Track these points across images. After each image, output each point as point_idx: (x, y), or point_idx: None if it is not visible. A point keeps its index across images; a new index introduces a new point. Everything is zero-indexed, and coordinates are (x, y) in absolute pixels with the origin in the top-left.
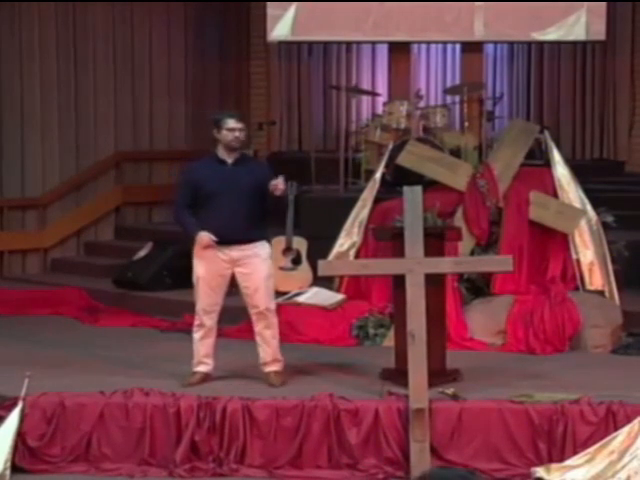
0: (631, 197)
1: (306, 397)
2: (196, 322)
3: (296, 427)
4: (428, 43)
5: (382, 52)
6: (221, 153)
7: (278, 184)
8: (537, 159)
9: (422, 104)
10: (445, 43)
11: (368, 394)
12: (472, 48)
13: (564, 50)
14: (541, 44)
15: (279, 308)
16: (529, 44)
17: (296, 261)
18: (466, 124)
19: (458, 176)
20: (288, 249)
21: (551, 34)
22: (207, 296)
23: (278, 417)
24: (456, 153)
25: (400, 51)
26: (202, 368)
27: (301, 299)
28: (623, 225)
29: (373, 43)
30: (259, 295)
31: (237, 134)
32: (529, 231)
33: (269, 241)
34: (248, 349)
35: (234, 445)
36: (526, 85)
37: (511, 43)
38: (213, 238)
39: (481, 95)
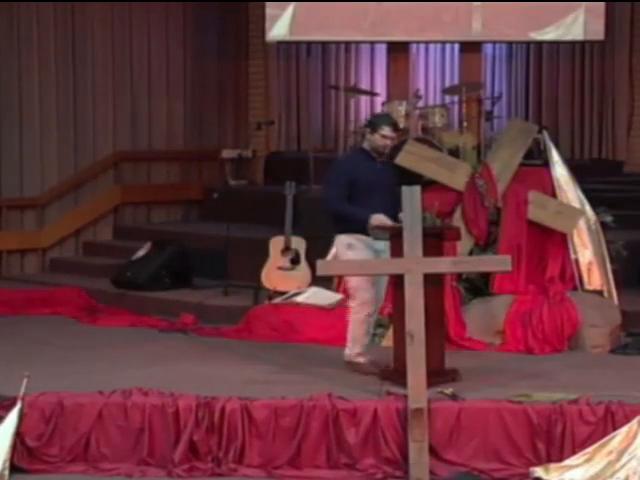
0: (630, 197)
1: (305, 397)
2: (365, 312)
3: (295, 427)
4: (426, 43)
5: (381, 52)
6: (369, 151)
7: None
8: (536, 159)
9: (421, 104)
10: (444, 43)
11: (367, 394)
12: (471, 48)
13: (563, 50)
14: (540, 44)
15: (278, 308)
16: (528, 44)
17: (295, 261)
18: (465, 124)
19: (457, 176)
20: (287, 249)
21: (549, 34)
22: (370, 286)
23: (277, 417)
24: (455, 153)
25: (399, 51)
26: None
27: (300, 299)
28: (622, 225)
29: (371, 43)
30: (382, 288)
31: (388, 142)
32: (528, 231)
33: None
34: (246, 349)
35: (233, 445)
36: (525, 85)
37: (509, 43)
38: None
39: (480, 95)
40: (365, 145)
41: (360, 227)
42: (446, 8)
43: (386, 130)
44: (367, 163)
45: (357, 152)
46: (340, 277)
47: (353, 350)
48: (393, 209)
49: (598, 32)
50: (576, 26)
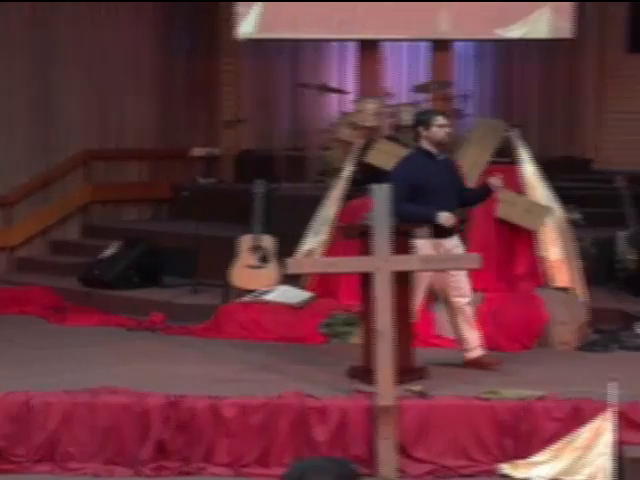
0: (598, 195)
1: (273, 395)
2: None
3: (263, 425)
4: (393, 41)
5: (351, 50)
6: (430, 148)
7: (498, 183)
8: (505, 157)
9: (391, 102)
10: (411, 41)
11: (336, 392)
12: (441, 46)
13: (532, 49)
14: (509, 42)
15: (247, 306)
16: (497, 42)
17: (264, 259)
18: None
19: None
20: (256, 247)
21: (515, 31)
22: (424, 289)
23: (245, 415)
24: None
25: (368, 49)
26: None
27: (269, 297)
28: (590, 222)
29: (339, 41)
30: (465, 282)
31: (447, 130)
32: (497, 229)
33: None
34: (215, 347)
35: (201, 444)
36: (494, 83)
37: (475, 41)
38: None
39: (450, 93)
40: (424, 144)
41: (426, 228)
42: (413, 6)
43: (440, 119)
44: (427, 163)
45: (416, 153)
46: (310, 275)
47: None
48: (456, 204)
49: (567, 30)
50: (541, 24)
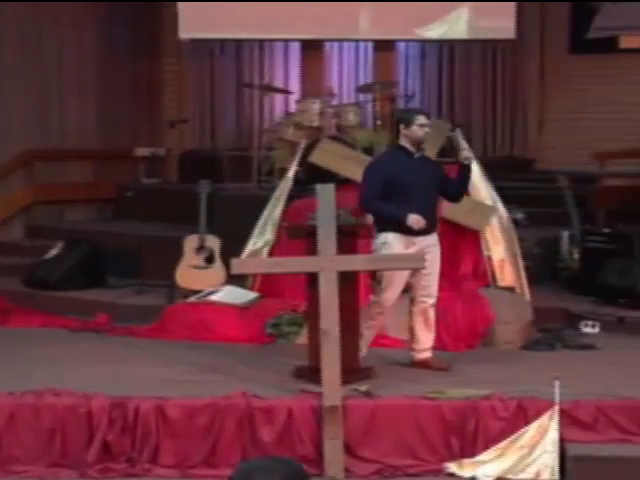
0: (541, 194)
1: (219, 396)
2: (376, 310)
3: (209, 426)
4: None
5: (294, 50)
6: (408, 146)
7: (468, 153)
8: (448, 157)
9: (335, 102)
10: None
11: (282, 392)
12: (384, 46)
13: (475, 49)
14: (452, 43)
15: (192, 307)
16: (440, 43)
17: (209, 259)
18: (378, 122)
19: None
20: (201, 247)
21: (434, 30)
22: (402, 286)
23: (191, 416)
24: (369, 151)
25: (312, 49)
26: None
27: (214, 298)
28: (533, 222)
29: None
30: (435, 283)
31: (427, 130)
32: (441, 229)
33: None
34: (160, 348)
35: (147, 445)
36: (438, 84)
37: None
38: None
39: (393, 93)
40: (403, 142)
41: (399, 226)
42: (333, 6)
43: (422, 119)
44: (405, 160)
45: (393, 150)
46: (256, 275)
47: None
48: (435, 202)
49: (509, 31)
50: (460, 24)
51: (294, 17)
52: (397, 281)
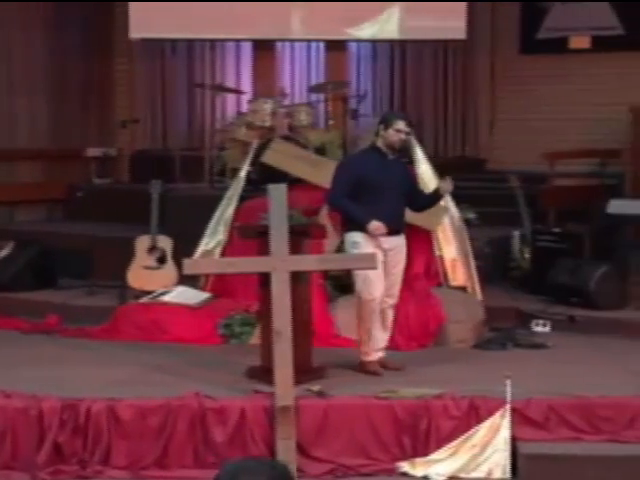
0: (492, 194)
1: (172, 396)
2: (368, 309)
3: (161, 427)
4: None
5: (246, 50)
6: (382, 148)
7: (449, 187)
8: (401, 157)
9: (287, 102)
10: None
11: (234, 392)
12: (336, 47)
13: (426, 49)
14: (403, 43)
15: (145, 307)
16: (392, 42)
17: (161, 260)
18: (330, 122)
19: (323, 174)
20: (153, 248)
21: (365, 30)
22: (382, 283)
23: (143, 417)
24: (321, 151)
25: (264, 49)
26: (376, 356)
27: (167, 298)
28: (484, 222)
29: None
30: (398, 284)
31: (402, 136)
32: None
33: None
34: (112, 349)
35: (98, 446)
36: (390, 84)
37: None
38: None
39: (345, 93)
40: (379, 143)
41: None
42: (264, 6)
43: (400, 124)
44: (377, 161)
45: (368, 150)
46: (208, 275)
47: None
48: (404, 205)
49: (459, 31)
50: (391, 23)
51: (230, 17)
52: (373, 278)
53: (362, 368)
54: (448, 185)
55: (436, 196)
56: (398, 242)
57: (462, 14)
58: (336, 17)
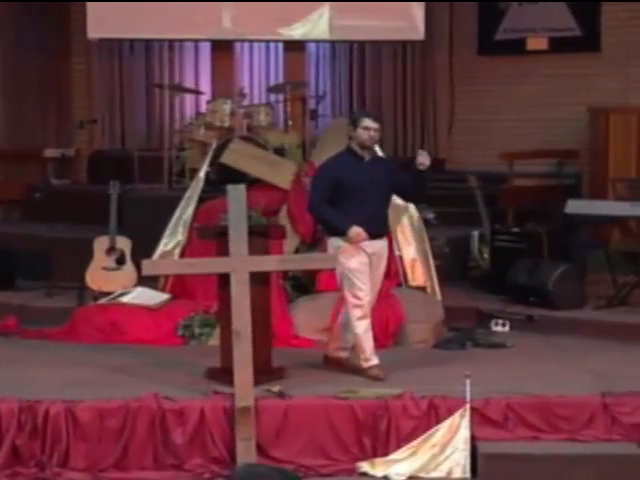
0: (451, 194)
1: (131, 398)
2: (358, 314)
3: (120, 429)
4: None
5: (205, 50)
6: (357, 150)
7: (424, 159)
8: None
9: (246, 102)
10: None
11: (194, 393)
12: (294, 47)
13: (385, 50)
14: (362, 43)
15: (103, 309)
16: (350, 43)
17: (120, 261)
18: (290, 122)
19: (282, 174)
20: (112, 249)
21: (297, 30)
22: (362, 288)
23: (102, 419)
24: (280, 151)
25: (222, 49)
26: (376, 360)
27: (126, 299)
28: (443, 222)
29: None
30: (377, 287)
31: (372, 133)
32: None
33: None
34: (71, 351)
35: (57, 448)
36: (349, 84)
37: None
38: (364, 234)
39: (304, 94)
40: (352, 145)
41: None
42: (196, 6)
43: (367, 122)
44: (353, 164)
45: (344, 153)
46: (167, 276)
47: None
48: (386, 207)
49: (418, 32)
50: (322, 24)
51: (165, 17)
52: (358, 284)
53: (364, 373)
54: (424, 158)
55: (417, 174)
56: (381, 246)
57: (420, 15)
58: (267, 17)
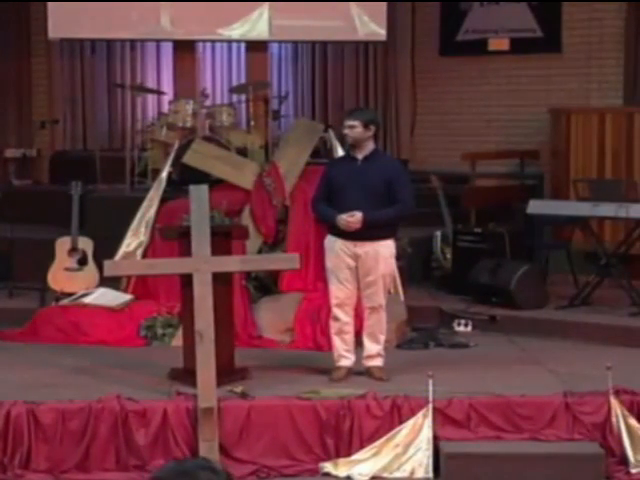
0: (414, 195)
1: (93, 399)
2: (332, 314)
3: (83, 430)
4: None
5: (167, 50)
6: (350, 149)
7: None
8: (322, 158)
9: (208, 103)
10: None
11: (156, 394)
12: (256, 47)
13: (347, 50)
14: (325, 44)
15: (65, 310)
16: (313, 43)
17: (82, 261)
18: (252, 123)
19: (244, 175)
20: (73, 249)
21: (236, 30)
22: (337, 288)
23: (64, 420)
24: (242, 152)
25: (184, 50)
26: (345, 362)
27: (87, 300)
28: (406, 222)
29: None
30: (374, 290)
31: (346, 131)
32: (315, 229)
33: (397, 240)
34: (32, 352)
35: (19, 450)
36: (311, 84)
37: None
38: (350, 219)
39: (266, 94)
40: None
41: (338, 230)
42: (134, 6)
43: (346, 121)
44: (345, 164)
45: (343, 155)
46: (129, 277)
47: None
48: (376, 208)
49: (380, 32)
50: (262, 23)
51: (107, 17)
52: (330, 278)
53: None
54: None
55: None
56: (370, 249)
57: (383, 15)
58: (206, 17)
